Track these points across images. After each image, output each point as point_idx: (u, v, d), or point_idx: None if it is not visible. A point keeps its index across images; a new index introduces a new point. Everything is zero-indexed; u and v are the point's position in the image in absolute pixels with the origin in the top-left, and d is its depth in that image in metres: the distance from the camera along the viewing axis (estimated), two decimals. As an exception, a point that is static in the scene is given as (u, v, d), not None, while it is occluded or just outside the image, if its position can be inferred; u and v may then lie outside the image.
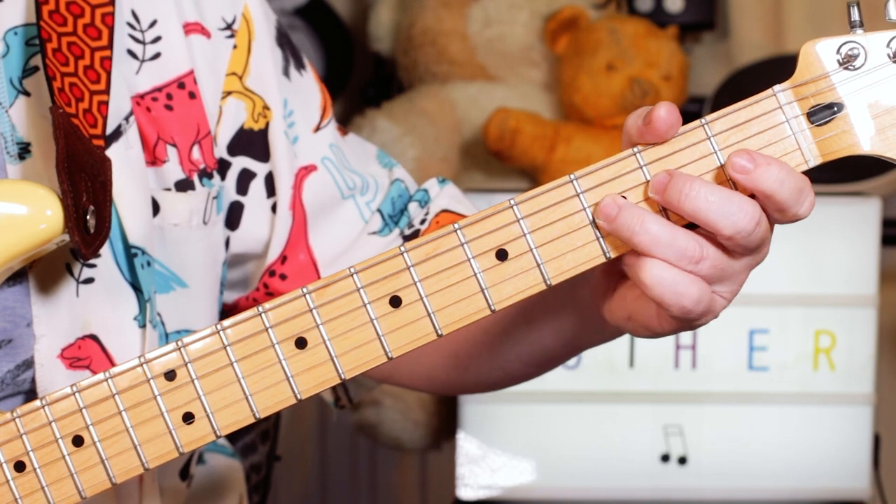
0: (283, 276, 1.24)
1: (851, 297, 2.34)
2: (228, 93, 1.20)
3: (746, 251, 0.97)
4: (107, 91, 1.10)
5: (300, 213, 1.23)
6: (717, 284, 0.98)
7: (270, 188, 1.23)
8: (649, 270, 0.95)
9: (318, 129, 1.25)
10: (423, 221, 1.26)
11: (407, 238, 1.25)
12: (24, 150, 1.10)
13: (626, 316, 1.02)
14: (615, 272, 1.03)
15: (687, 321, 0.99)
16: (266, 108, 1.21)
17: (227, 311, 1.29)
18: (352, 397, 1.34)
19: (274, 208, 1.23)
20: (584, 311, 1.10)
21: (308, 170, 1.24)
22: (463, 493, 2.37)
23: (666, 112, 0.96)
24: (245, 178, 1.22)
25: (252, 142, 1.21)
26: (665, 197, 0.96)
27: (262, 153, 1.22)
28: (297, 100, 1.24)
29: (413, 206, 1.27)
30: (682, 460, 2.36)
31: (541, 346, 1.17)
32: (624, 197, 0.97)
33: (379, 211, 1.26)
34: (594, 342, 1.15)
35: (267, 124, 1.22)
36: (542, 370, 1.22)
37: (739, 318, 2.33)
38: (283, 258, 1.23)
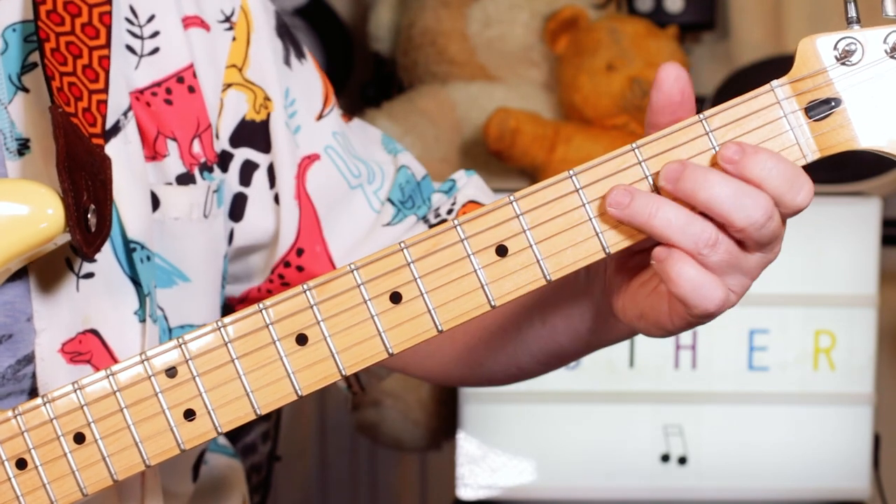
0: (300, 268, 1.24)
1: (851, 297, 2.34)
2: (229, 85, 1.21)
3: (758, 246, 0.97)
4: (105, 90, 1.10)
5: (307, 204, 1.23)
6: (729, 277, 0.98)
7: (273, 179, 1.23)
8: (677, 267, 0.95)
9: (320, 117, 1.26)
10: (450, 211, 1.26)
11: (433, 226, 1.25)
12: (23, 147, 1.10)
13: (638, 314, 1.02)
14: (627, 270, 1.04)
15: (699, 320, 0.99)
16: (267, 99, 1.22)
17: (235, 303, 1.30)
18: (363, 385, 1.34)
19: (277, 199, 1.23)
20: (597, 309, 1.11)
21: (311, 159, 1.24)
22: (463, 493, 2.37)
23: (674, 71, 0.97)
24: (248, 169, 1.22)
25: (254, 133, 1.22)
26: (679, 186, 0.96)
27: (264, 144, 1.22)
28: (298, 89, 1.24)
29: (437, 196, 1.28)
30: (682, 460, 2.36)
31: (555, 345, 1.18)
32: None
33: (389, 200, 1.27)
34: (607, 341, 1.15)
35: (268, 115, 1.22)
36: (555, 367, 1.23)
37: (739, 318, 2.33)
38: (299, 250, 1.24)
